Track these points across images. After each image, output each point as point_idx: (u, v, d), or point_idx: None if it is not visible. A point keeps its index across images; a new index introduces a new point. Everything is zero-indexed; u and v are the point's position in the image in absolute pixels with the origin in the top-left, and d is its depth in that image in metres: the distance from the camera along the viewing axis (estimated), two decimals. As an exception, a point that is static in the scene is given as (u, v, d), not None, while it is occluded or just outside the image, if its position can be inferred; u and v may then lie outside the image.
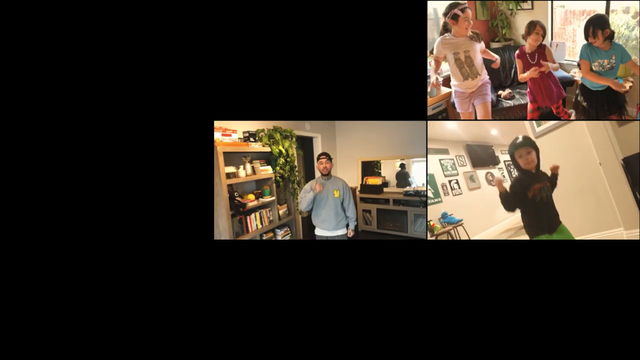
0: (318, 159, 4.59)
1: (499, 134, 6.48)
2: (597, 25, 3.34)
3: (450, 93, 3.95)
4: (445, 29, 3.63)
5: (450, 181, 5.89)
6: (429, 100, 4.08)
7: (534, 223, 3.24)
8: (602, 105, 3.52)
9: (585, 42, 3.44)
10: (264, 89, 3.43)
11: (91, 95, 3.40)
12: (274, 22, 3.41)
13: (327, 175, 4.56)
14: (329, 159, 4.57)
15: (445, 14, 3.57)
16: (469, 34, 3.60)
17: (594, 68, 3.47)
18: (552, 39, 4.55)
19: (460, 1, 3.56)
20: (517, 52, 3.82)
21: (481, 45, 3.72)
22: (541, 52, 3.73)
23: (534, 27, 3.66)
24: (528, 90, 3.81)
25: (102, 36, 3.38)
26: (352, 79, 3.41)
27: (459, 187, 5.96)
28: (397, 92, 3.41)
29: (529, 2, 4.39)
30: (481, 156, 6.63)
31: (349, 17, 3.39)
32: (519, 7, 4.30)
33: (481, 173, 6.51)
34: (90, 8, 3.37)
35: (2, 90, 3.33)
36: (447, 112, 4.38)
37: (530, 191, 3.19)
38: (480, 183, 6.42)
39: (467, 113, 3.84)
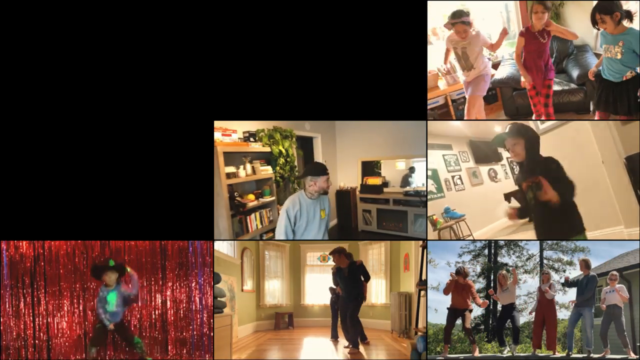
0: (322, 174, 3.33)
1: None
2: (602, 11, 3.15)
3: (448, 90, 4.42)
4: None
5: (453, 176, 5.91)
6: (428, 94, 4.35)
7: (541, 224, 2.87)
8: (619, 97, 3.33)
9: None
10: (264, 89, 3.43)
11: (91, 94, 3.40)
12: (274, 23, 3.40)
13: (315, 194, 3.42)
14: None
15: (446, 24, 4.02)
16: (470, 35, 3.94)
17: (604, 54, 3.31)
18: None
19: (462, 10, 3.93)
20: (521, 29, 3.88)
21: (482, 41, 3.96)
22: (545, 30, 3.68)
23: (531, 6, 3.67)
24: (522, 67, 3.85)
25: (103, 37, 3.38)
26: (352, 79, 3.41)
27: (462, 183, 5.98)
28: (397, 92, 3.41)
29: None
30: (484, 152, 6.66)
31: (349, 18, 3.39)
32: None
33: (484, 169, 6.53)
34: (91, 8, 3.37)
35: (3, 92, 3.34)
36: (448, 108, 4.50)
37: (523, 186, 2.83)
38: (483, 179, 6.44)
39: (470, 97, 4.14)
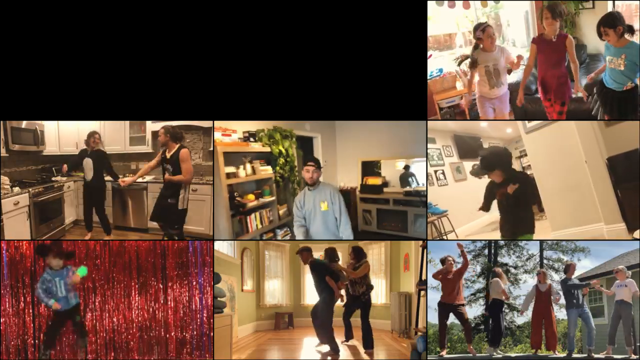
0: (305, 164, 3.80)
1: (488, 126, 6.45)
2: (606, 24, 3.28)
3: (465, 91, 4.37)
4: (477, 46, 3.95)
5: (436, 171, 5.84)
6: (444, 94, 4.59)
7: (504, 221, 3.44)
8: (616, 104, 3.43)
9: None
10: (264, 89, 3.43)
11: (91, 94, 3.40)
12: (274, 23, 3.41)
13: (313, 185, 3.79)
14: (318, 167, 3.76)
15: (474, 37, 3.94)
16: (496, 48, 3.86)
17: (608, 65, 3.43)
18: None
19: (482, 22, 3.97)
20: (534, 37, 3.87)
21: (507, 57, 3.88)
22: (561, 40, 3.60)
23: (542, 11, 3.64)
24: (540, 89, 3.84)
25: (105, 36, 3.39)
26: (352, 79, 3.41)
27: (445, 178, 5.91)
28: (397, 92, 3.41)
29: (590, 1, 4.54)
30: (469, 147, 6.58)
31: (349, 18, 3.39)
32: (580, 7, 4.53)
33: (468, 165, 6.43)
34: (94, 8, 3.37)
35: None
36: (460, 108, 4.55)
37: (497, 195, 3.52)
38: (467, 175, 6.37)
39: (485, 116, 4.12)
